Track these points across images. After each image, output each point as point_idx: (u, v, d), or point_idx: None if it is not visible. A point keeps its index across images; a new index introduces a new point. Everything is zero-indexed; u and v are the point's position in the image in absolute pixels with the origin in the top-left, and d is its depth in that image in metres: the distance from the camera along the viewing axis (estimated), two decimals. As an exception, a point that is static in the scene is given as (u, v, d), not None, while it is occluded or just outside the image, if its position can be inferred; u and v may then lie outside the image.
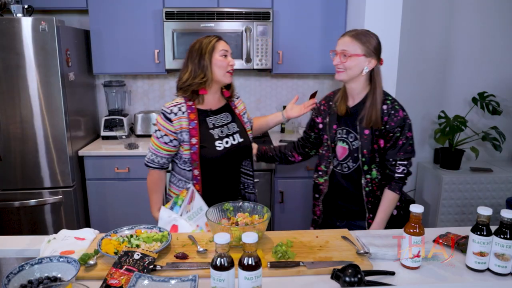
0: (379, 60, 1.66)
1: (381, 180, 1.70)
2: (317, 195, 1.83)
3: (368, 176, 1.68)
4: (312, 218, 1.90)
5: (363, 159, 1.67)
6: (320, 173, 1.81)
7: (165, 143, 1.67)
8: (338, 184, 1.76)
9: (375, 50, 1.62)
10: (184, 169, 1.72)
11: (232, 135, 1.75)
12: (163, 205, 1.75)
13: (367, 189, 1.69)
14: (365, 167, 1.68)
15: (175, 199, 1.71)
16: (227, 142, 1.71)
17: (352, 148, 1.69)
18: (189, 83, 1.65)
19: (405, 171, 1.66)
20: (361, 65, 1.61)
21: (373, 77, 1.65)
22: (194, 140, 1.65)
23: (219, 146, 1.69)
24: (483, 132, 3.00)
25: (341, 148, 1.73)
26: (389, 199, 1.68)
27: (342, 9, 2.84)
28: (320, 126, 1.84)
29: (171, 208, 1.69)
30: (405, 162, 1.65)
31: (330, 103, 1.80)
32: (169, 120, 1.65)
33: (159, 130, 1.68)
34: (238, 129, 1.78)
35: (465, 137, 3.05)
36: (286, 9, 2.83)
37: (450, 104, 3.21)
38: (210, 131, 1.70)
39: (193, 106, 1.68)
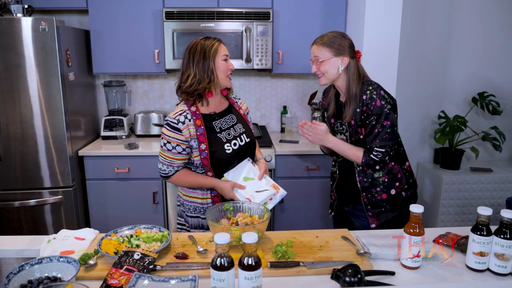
0: (354, 55, 1.73)
1: None
2: (331, 183, 2.00)
3: None
4: (329, 202, 2.07)
5: None
6: (333, 163, 1.97)
7: (179, 153, 1.67)
8: (344, 171, 1.89)
9: (342, 48, 1.70)
10: (197, 173, 1.74)
11: (239, 136, 1.77)
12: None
13: (358, 168, 1.78)
14: None
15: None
16: (235, 144, 1.73)
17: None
18: (195, 88, 1.65)
19: (379, 156, 1.70)
20: (335, 65, 1.70)
21: (348, 72, 1.72)
22: (203, 146, 1.66)
23: (228, 149, 1.71)
24: (483, 132, 3.00)
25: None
26: (354, 147, 1.74)
27: (342, 9, 2.84)
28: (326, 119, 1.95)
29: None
30: (382, 150, 1.69)
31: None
32: (178, 130, 1.64)
33: (168, 142, 1.65)
34: (244, 130, 1.80)
35: (465, 137, 3.06)
36: (286, 9, 2.83)
37: (450, 104, 3.22)
38: (218, 135, 1.71)
39: (198, 112, 1.68)
